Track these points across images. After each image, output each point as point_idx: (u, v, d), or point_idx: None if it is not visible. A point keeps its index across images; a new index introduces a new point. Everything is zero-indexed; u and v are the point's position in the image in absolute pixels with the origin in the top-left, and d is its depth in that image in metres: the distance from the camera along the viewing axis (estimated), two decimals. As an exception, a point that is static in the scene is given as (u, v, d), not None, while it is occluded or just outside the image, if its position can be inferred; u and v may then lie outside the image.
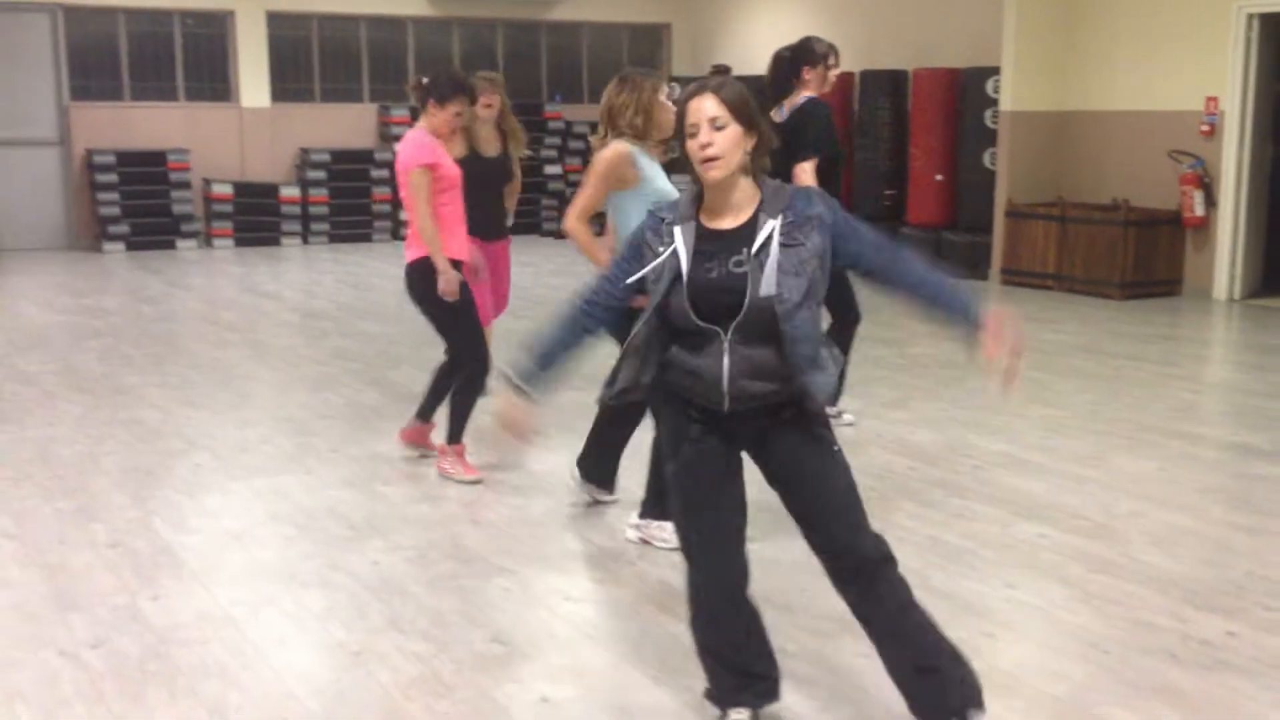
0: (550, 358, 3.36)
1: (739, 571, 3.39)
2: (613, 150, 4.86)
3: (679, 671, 3.92)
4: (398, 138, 6.78)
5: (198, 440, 6.69)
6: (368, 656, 4.08)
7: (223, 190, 15.25)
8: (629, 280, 3.25)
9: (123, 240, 14.81)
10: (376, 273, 13.22)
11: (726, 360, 3.10)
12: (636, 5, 17.63)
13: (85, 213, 14.99)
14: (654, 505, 5.02)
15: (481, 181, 6.69)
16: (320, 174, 15.65)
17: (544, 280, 11.86)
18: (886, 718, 3.57)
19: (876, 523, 3.35)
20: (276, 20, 15.80)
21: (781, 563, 4.56)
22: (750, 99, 3.17)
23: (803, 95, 6.52)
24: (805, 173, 6.23)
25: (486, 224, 6.82)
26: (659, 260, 3.16)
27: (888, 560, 3.27)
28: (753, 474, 3.36)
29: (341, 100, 16.35)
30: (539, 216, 16.28)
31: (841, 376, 4.09)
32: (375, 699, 3.81)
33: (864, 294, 5.84)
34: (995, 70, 12.53)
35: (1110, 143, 12.14)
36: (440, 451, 6.04)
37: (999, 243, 12.51)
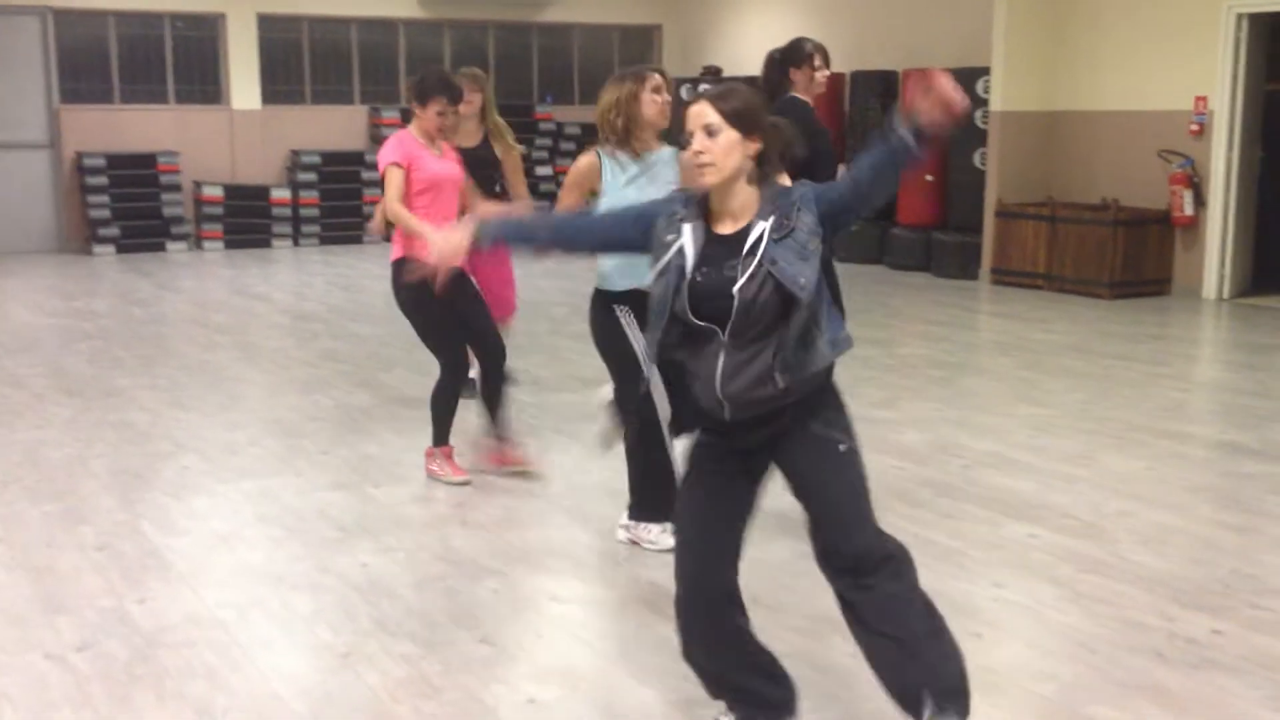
0: (522, 232, 3.49)
1: (720, 590, 3.29)
2: (583, 160, 4.93)
3: (667, 673, 3.92)
4: (379, 140, 6.75)
5: (187, 443, 6.68)
6: (355, 658, 4.08)
7: (213, 192, 15.23)
8: (638, 245, 3.28)
9: (113, 243, 14.78)
10: (367, 275, 13.20)
11: (720, 361, 3.11)
12: (627, 7, 17.63)
13: (75, 215, 14.96)
14: (643, 507, 5.02)
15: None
16: (311, 176, 15.63)
17: (534, 282, 11.82)
18: (876, 718, 3.58)
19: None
20: (267, 22, 15.78)
21: (769, 563, 4.57)
22: (755, 106, 3.14)
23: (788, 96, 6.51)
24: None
25: None
26: (666, 257, 3.16)
27: (887, 559, 3.22)
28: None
29: (332, 102, 16.33)
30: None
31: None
32: (363, 701, 3.81)
33: (851, 297, 5.85)
34: (986, 70, 12.54)
35: (1100, 143, 12.16)
36: (428, 454, 6.04)
37: (989, 243, 12.53)
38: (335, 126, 16.08)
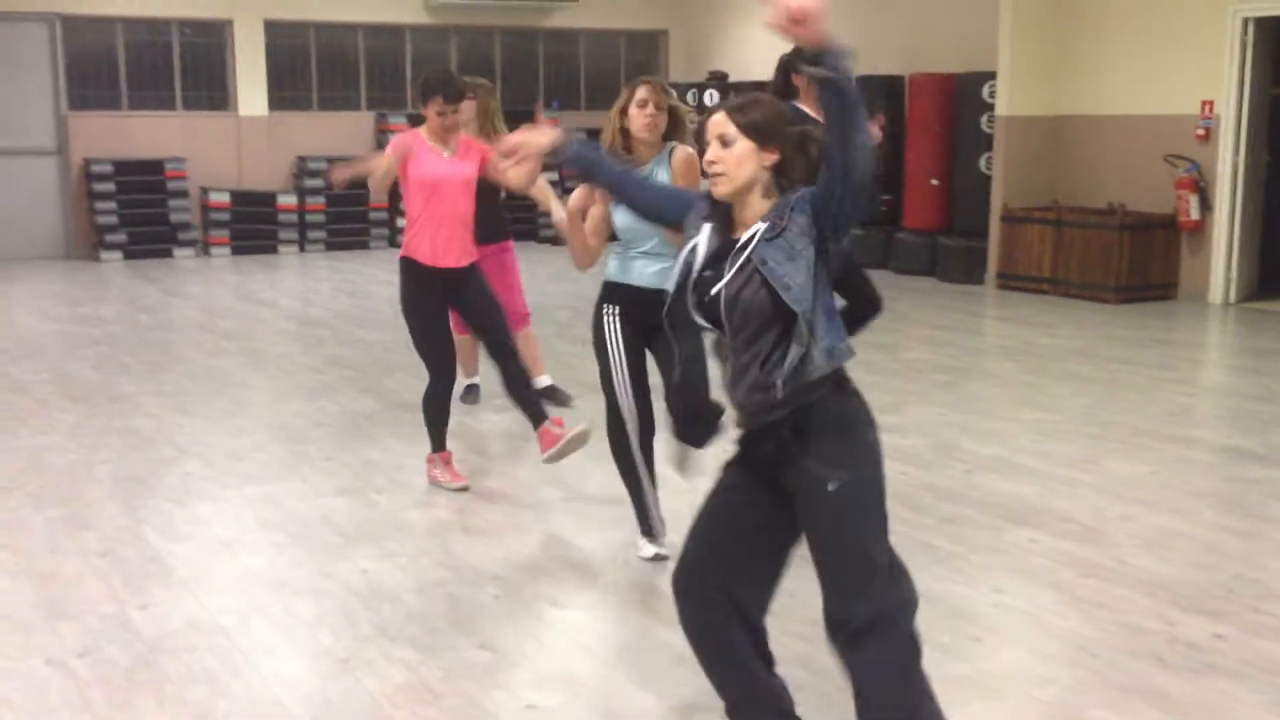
0: (597, 160, 3.48)
1: (715, 613, 3.22)
2: None
3: (667, 678, 3.92)
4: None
5: (191, 448, 6.69)
6: (356, 664, 4.09)
7: (220, 199, 15.28)
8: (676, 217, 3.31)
9: (120, 249, 14.82)
10: (373, 280, 13.23)
11: (729, 365, 3.12)
12: (633, 12, 17.65)
13: (83, 222, 15.01)
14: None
15: None
16: (317, 182, 15.65)
17: (539, 285, 11.85)
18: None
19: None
20: (274, 29, 15.82)
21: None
22: (774, 118, 3.11)
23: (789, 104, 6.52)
24: None
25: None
26: (683, 253, 3.19)
27: (871, 628, 3.04)
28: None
29: (339, 108, 16.38)
30: (535, 224, 16.28)
31: None
32: (363, 707, 3.82)
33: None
34: (991, 75, 12.55)
35: (1106, 147, 12.15)
36: (429, 460, 6.05)
37: (995, 247, 12.52)
38: (342, 133, 16.12)
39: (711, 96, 16.24)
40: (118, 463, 6.42)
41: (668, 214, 3.38)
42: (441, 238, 5.81)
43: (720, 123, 3.10)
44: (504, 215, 7.47)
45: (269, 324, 10.73)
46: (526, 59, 17.51)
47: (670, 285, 3.20)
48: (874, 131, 5.80)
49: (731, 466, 3.28)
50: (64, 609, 4.54)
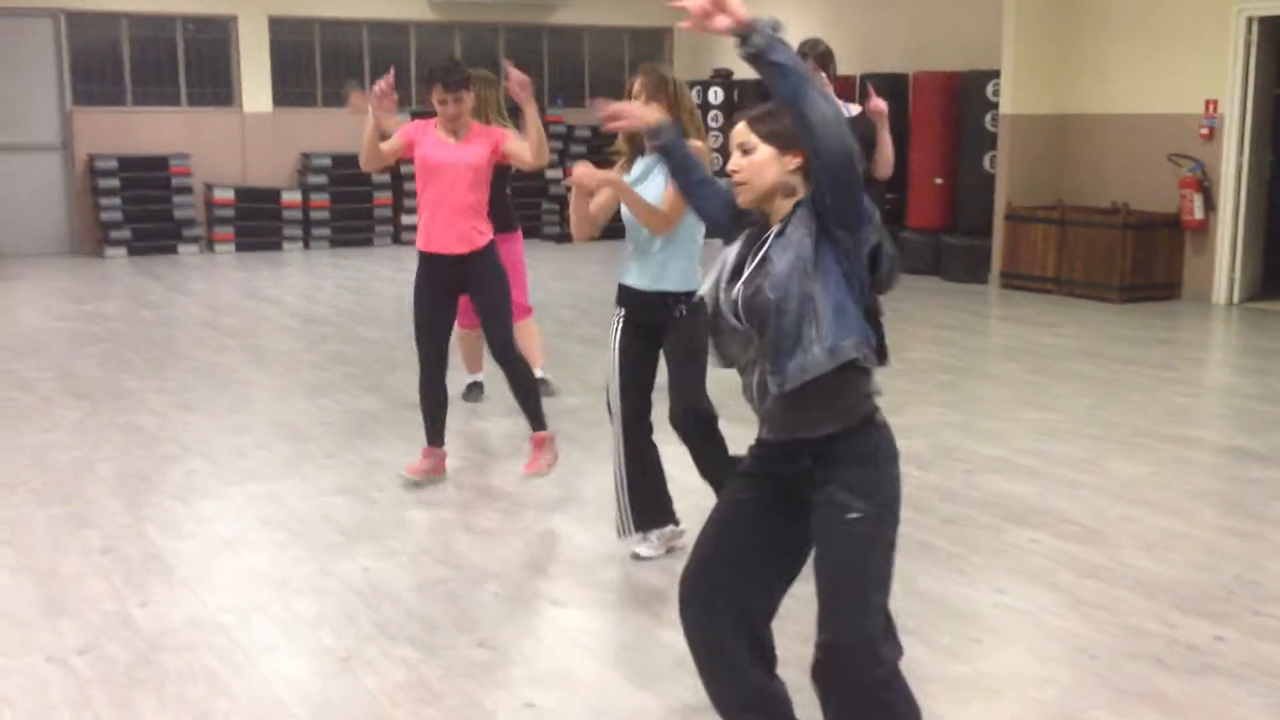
0: (691, 163, 3.44)
1: (720, 620, 3.19)
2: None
3: (666, 678, 3.93)
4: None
5: (194, 446, 6.70)
6: (356, 663, 4.10)
7: (224, 195, 15.29)
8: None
9: (125, 245, 14.84)
10: (377, 277, 13.25)
11: (757, 369, 3.08)
12: (638, 9, 17.62)
13: (87, 218, 15.02)
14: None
15: None
16: (322, 179, 15.68)
17: (543, 283, 11.85)
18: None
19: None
20: (278, 25, 15.83)
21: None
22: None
23: None
24: None
25: None
26: (721, 257, 3.17)
27: (856, 675, 2.97)
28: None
29: (344, 105, 16.30)
30: (540, 220, 16.29)
31: None
32: (362, 705, 3.82)
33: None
34: (995, 74, 12.55)
35: (1110, 146, 12.14)
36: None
37: (999, 246, 12.52)
38: (346, 129, 15.93)
39: (716, 95, 16.23)
40: (121, 460, 6.43)
41: (726, 223, 3.30)
42: (437, 223, 5.82)
43: (741, 132, 3.12)
44: (510, 205, 7.44)
45: (272, 321, 10.74)
46: (531, 56, 17.46)
47: (706, 296, 3.19)
48: (875, 104, 5.70)
49: (745, 475, 3.27)
50: (65, 606, 4.55)
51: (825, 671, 3.01)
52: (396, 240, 15.90)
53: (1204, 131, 11.28)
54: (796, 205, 3.05)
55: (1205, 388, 8.59)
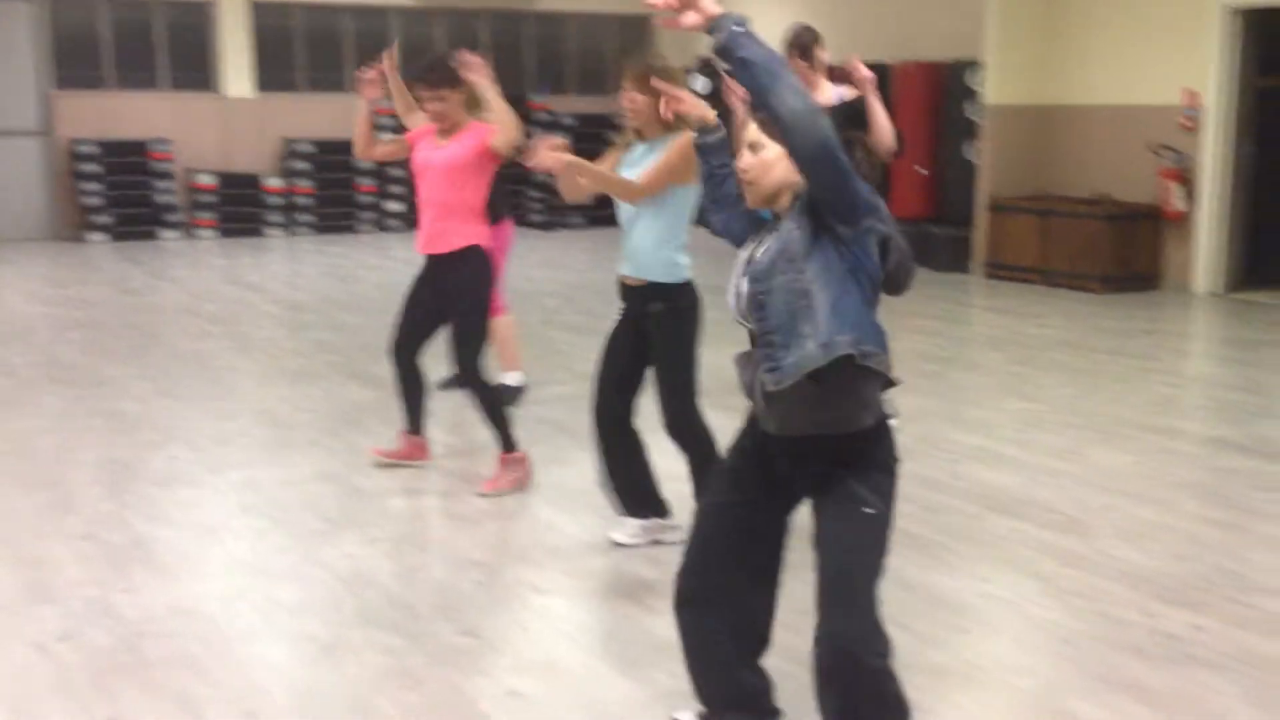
0: (725, 150, 3.41)
1: (714, 614, 3.23)
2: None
3: (648, 665, 3.93)
4: (380, 128, 6.69)
5: (176, 433, 6.68)
6: (338, 649, 4.09)
7: (206, 180, 15.23)
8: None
9: (106, 231, 14.78)
10: (361, 265, 13.21)
11: (759, 365, 3.09)
12: (623, -5, 17.60)
13: (68, 203, 14.94)
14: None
15: None
16: (304, 165, 15.62)
17: (527, 272, 11.84)
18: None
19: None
20: (260, 9, 15.75)
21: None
22: None
23: None
24: None
25: None
26: (739, 258, 3.18)
27: (858, 663, 2.99)
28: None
29: (326, 90, 16.28)
30: (525, 209, 16.26)
31: None
32: (344, 692, 3.82)
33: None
34: (977, 64, 12.55)
35: (1092, 137, 12.16)
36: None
37: (982, 237, 12.54)
38: (329, 115, 16.01)
39: (703, 83, 16.19)
40: (103, 446, 6.40)
41: (740, 230, 3.30)
42: (423, 223, 5.80)
43: (751, 130, 3.14)
44: (501, 195, 7.30)
45: (255, 308, 10.70)
46: (514, 43, 17.42)
47: (730, 301, 3.20)
48: (860, 71, 5.61)
49: (732, 470, 3.27)
50: (47, 593, 4.53)
51: (827, 661, 3.03)
52: (380, 227, 15.85)
53: (1186, 122, 11.31)
54: (795, 200, 3.07)
55: (1187, 378, 8.62)
